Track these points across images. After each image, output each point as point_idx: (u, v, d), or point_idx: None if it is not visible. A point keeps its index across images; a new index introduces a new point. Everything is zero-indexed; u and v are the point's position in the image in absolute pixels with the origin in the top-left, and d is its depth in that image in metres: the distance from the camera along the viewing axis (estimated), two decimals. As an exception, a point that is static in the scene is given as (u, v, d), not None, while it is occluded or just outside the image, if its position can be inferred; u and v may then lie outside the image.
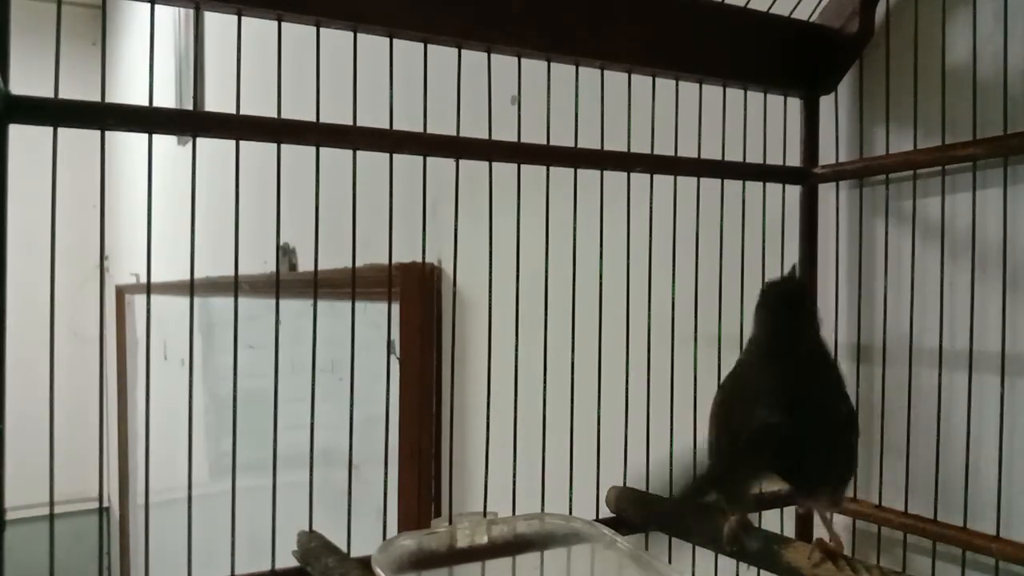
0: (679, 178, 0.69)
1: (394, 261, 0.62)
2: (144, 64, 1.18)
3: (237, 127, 0.53)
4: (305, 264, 1.81)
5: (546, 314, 0.63)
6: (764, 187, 0.73)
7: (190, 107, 2.65)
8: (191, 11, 0.92)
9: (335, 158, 0.56)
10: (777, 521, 0.74)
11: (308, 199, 0.57)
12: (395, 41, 0.59)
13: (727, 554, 0.58)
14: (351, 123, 0.57)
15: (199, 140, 0.52)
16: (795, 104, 0.76)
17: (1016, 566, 0.61)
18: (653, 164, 0.68)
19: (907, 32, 0.70)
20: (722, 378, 0.60)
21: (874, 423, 0.72)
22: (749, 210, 0.72)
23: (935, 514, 0.65)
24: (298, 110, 0.54)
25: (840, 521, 0.74)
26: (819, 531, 0.75)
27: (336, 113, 0.56)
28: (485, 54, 0.61)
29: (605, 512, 0.66)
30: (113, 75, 3.89)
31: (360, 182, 0.58)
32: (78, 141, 0.51)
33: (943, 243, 0.68)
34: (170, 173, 1.76)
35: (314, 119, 0.56)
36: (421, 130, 0.59)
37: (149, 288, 0.53)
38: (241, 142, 0.54)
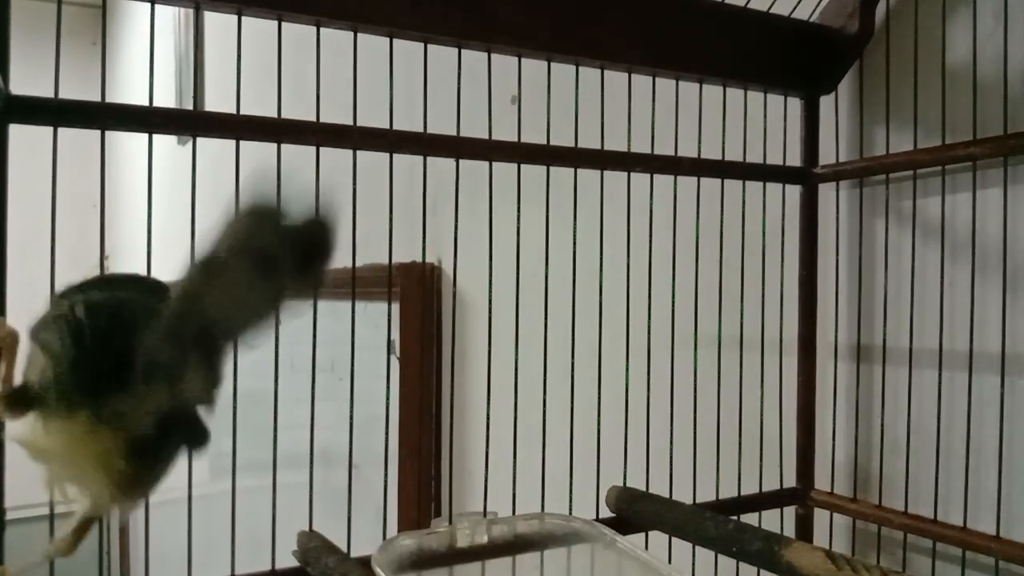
0: (679, 178, 0.69)
1: (394, 261, 0.62)
2: (144, 64, 1.18)
3: (237, 127, 0.53)
4: (305, 264, 1.81)
5: (546, 314, 0.63)
6: (764, 187, 0.73)
7: (190, 107, 2.65)
8: (191, 11, 0.92)
9: (335, 158, 0.56)
10: (777, 521, 0.74)
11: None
12: (395, 41, 0.58)
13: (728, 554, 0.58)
14: (351, 123, 0.57)
15: (199, 140, 0.52)
16: (795, 104, 0.76)
17: (1016, 566, 0.61)
18: (653, 164, 0.68)
19: (907, 32, 0.70)
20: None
21: (874, 423, 0.72)
22: (749, 210, 0.72)
23: (935, 514, 0.65)
24: (298, 110, 0.54)
25: (840, 521, 0.74)
26: (819, 531, 0.75)
27: (336, 113, 0.56)
28: (485, 54, 0.61)
29: (605, 512, 0.66)
30: (113, 75, 3.89)
31: (360, 182, 0.58)
32: (78, 141, 0.51)
33: (943, 243, 0.68)
34: (170, 173, 1.75)
35: (314, 119, 0.56)
36: (421, 130, 0.59)
37: (149, 288, 0.53)
38: (241, 142, 0.54)
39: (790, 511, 0.75)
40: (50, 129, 0.48)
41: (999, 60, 0.63)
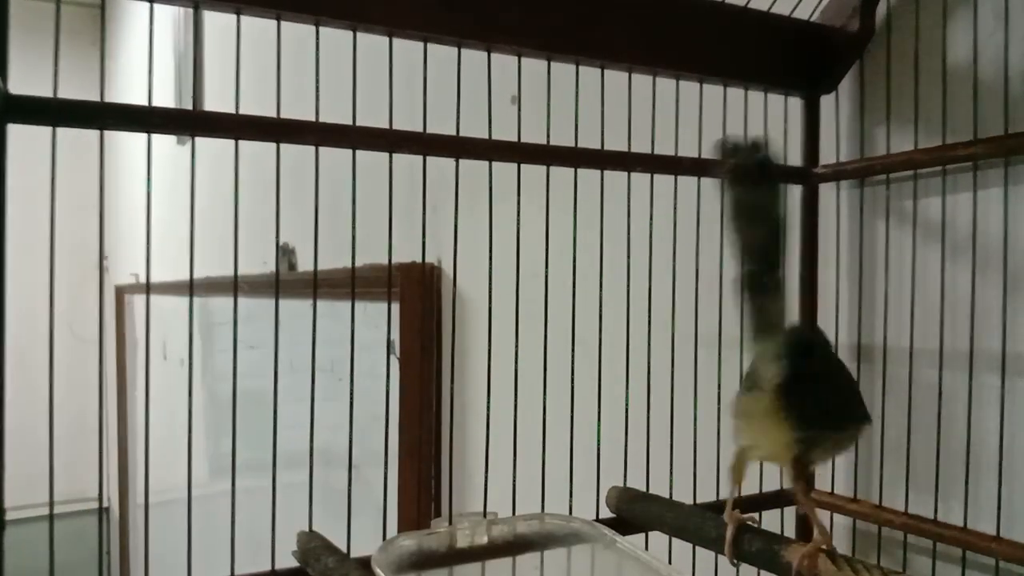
0: (679, 178, 0.69)
1: (394, 261, 0.62)
2: (144, 64, 1.18)
3: (236, 127, 0.53)
4: (305, 264, 1.81)
5: (546, 314, 0.63)
6: (764, 187, 0.73)
7: (189, 107, 2.64)
8: (191, 11, 0.92)
9: (335, 158, 0.56)
10: (777, 521, 0.74)
11: (308, 199, 0.57)
12: (395, 41, 0.58)
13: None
14: (351, 123, 0.57)
15: (199, 140, 0.52)
16: (796, 104, 0.76)
17: (1016, 566, 0.61)
18: (653, 164, 0.68)
19: (908, 32, 0.70)
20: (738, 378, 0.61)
21: (874, 423, 0.72)
22: (749, 210, 0.72)
23: (935, 514, 0.65)
24: (298, 110, 0.54)
25: (840, 521, 0.74)
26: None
27: (336, 113, 0.56)
28: (485, 54, 0.61)
29: (605, 512, 0.65)
30: (113, 75, 3.89)
31: (360, 182, 0.58)
32: (78, 141, 0.51)
33: (943, 243, 0.68)
34: (170, 173, 1.76)
35: (314, 119, 0.56)
36: (421, 130, 0.59)
37: (149, 288, 0.53)
38: (241, 142, 0.54)
39: (790, 511, 0.75)
40: (49, 129, 0.48)
41: (999, 60, 0.63)
